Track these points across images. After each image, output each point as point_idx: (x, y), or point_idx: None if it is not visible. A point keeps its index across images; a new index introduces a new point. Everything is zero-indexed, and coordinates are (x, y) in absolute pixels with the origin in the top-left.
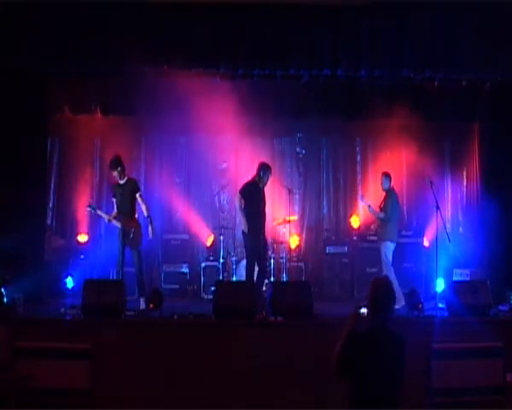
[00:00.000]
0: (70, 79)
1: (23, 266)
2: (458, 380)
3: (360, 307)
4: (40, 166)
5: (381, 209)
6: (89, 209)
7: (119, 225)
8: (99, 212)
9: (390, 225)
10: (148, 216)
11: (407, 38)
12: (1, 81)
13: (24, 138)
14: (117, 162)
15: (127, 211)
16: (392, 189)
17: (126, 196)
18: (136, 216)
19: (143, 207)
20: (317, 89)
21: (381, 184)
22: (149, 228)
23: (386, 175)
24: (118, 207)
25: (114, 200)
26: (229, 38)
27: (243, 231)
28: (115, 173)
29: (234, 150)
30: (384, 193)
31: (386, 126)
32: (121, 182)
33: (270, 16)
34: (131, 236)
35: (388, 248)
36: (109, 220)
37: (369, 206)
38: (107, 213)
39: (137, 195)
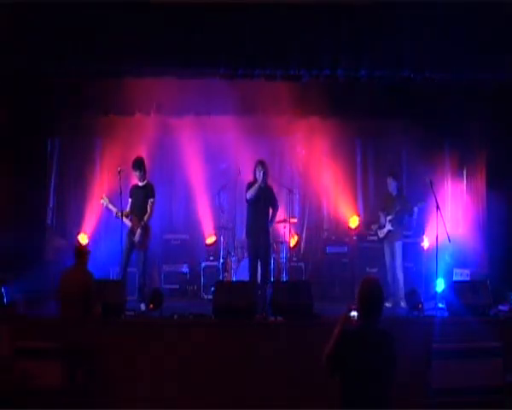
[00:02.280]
0: (70, 79)
1: (23, 266)
2: (458, 380)
3: (350, 311)
4: (40, 166)
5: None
6: (102, 202)
7: (128, 223)
8: (110, 206)
9: (403, 225)
10: (144, 222)
11: (407, 38)
12: (1, 81)
13: (24, 138)
14: (140, 164)
15: (139, 213)
16: None
17: (141, 198)
18: (146, 218)
19: (147, 213)
20: (317, 89)
21: (394, 186)
22: (138, 230)
23: (394, 176)
24: (131, 208)
25: (130, 200)
26: (229, 38)
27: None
28: (137, 174)
29: (234, 150)
30: (391, 194)
31: (387, 126)
32: (140, 184)
33: (270, 16)
34: (139, 238)
35: (401, 247)
36: (117, 215)
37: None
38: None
39: (150, 200)
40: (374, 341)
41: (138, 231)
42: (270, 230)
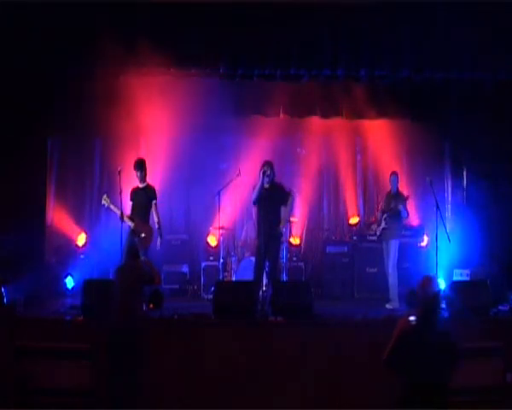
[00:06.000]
0: (70, 79)
1: (23, 266)
2: (458, 380)
3: (409, 315)
4: (40, 166)
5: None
6: (103, 203)
7: (131, 224)
8: (112, 206)
9: (400, 224)
10: (159, 227)
11: (407, 38)
12: (1, 81)
13: (24, 138)
14: (141, 165)
15: (141, 215)
16: None
17: (143, 200)
18: (150, 223)
19: (155, 216)
20: (317, 89)
21: (395, 184)
22: (158, 239)
23: (397, 175)
24: (132, 210)
25: (131, 203)
26: (229, 38)
27: None
28: (138, 175)
29: (234, 150)
30: (390, 192)
31: (386, 126)
32: (141, 186)
33: (270, 16)
34: (142, 236)
35: (397, 246)
36: (121, 216)
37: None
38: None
39: (153, 202)
40: (433, 341)
41: (142, 233)
42: (284, 229)
